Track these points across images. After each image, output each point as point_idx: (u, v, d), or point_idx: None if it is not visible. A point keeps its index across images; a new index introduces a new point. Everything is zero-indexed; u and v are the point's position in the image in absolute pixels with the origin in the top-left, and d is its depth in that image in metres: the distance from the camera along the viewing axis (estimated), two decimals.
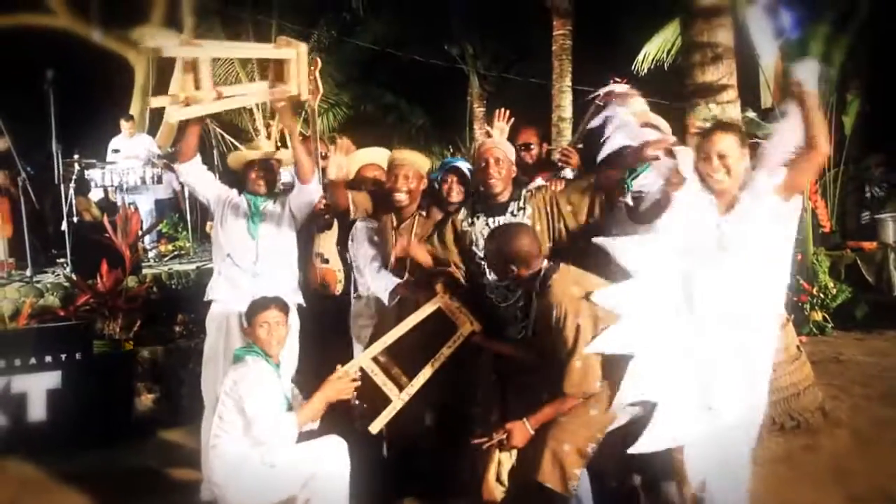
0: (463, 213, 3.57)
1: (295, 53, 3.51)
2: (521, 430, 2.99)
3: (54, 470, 4.35)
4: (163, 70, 11.05)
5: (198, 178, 3.98)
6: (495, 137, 3.84)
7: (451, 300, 3.32)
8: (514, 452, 3.03)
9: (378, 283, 3.76)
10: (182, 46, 3.64)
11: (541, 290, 3.02)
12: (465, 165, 4.07)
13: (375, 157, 4.13)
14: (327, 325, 4.09)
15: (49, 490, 4.17)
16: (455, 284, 3.42)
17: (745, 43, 6.88)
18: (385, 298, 3.70)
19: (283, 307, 3.37)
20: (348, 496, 3.19)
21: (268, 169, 3.99)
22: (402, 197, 3.66)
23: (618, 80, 4.23)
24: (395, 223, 3.77)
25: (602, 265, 3.11)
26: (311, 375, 3.66)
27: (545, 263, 3.08)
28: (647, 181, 3.56)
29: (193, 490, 3.86)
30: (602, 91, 4.12)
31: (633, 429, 2.91)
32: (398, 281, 3.68)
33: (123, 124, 9.40)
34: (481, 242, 3.41)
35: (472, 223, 3.50)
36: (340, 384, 3.24)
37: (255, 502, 3.16)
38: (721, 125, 3.12)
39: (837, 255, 7.13)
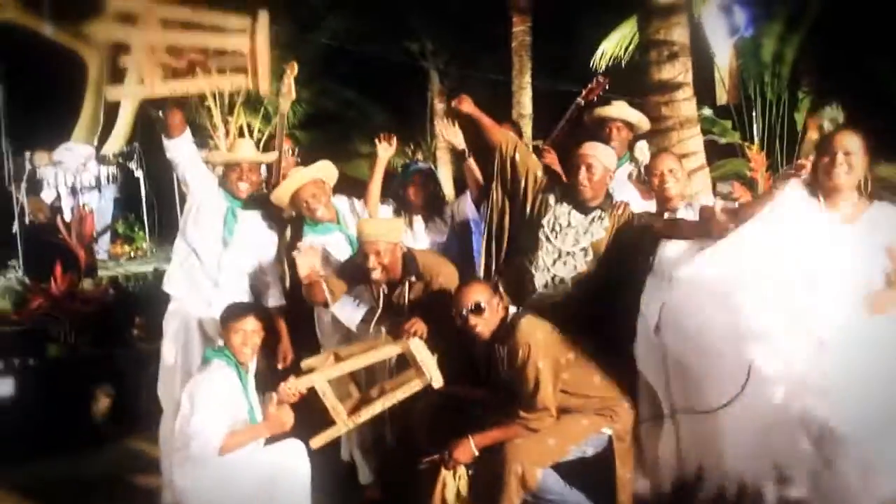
0: (556, 190, 3.52)
1: (253, 43, 3.32)
2: (465, 447, 3.04)
3: (8, 480, 4.25)
4: (116, 65, 10.84)
5: (186, 155, 3.73)
6: (448, 133, 3.96)
7: (416, 349, 3.22)
8: (461, 474, 3.09)
9: (345, 312, 3.67)
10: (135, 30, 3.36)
11: (506, 334, 3.08)
12: (424, 166, 4.08)
13: (315, 173, 3.80)
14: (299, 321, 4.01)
15: (3, 501, 4.07)
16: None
17: (700, 41, 7.02)
18: (352, 326, 3.68)
19: (262, 316, 3.34)
20: (310, 498, 3.18)
21: (252, 172, 3.84)
22: (377, 275, 3.40)
23: (600, 79, 4.30)
24: (385, 289, 3.53)
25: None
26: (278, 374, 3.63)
27: (511, 310, 3.18)
28: (619, 176, 3.80)
29: (154, 496, 3.82)
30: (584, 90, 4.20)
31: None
32: (365, 310, 3.62)
33: (38, 157, 8.80)
34: (554, 223, 3.44)
35: (560, 202, 3.47)
36: (279, 419, 3.17)
37: None
38: (850, 126, 3.19)
39: None
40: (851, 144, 2.91)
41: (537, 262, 3.44)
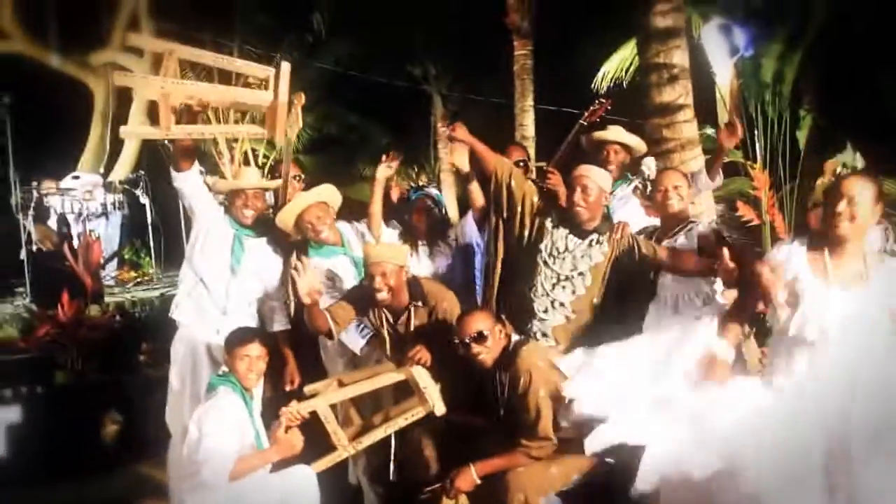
0: (553, 215, 3.55)
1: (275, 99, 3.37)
2: (467, 475, 3.05)
3: None
4: (123, 96, 10.93)
5: (194, 187, 3.81)
6: (455, 156, 4.03)
7: (419, 376, 3.26)
8: (463, 502, 3.08)
9: (349, 336, 3.70)
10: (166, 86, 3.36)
11: (508, 362, 3.10)
12: (434, 192, 4.13)
13: (318, 196, 3.88)
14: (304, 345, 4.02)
15: None
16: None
17: (701, 61, 7.07)
18: (357, 350, 3.71)
19: (266, 341, 3.36)
20: None
21: (257, 199, 3.90)
22: (383, 296, 3.41)
23: (602, 101, 4.35)
24: (389, 319, 3.56)
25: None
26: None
27: (514, 338, 3.20)
28: (628, 190, 3.95)
29: None
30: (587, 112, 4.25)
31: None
32: (369, 336, 3.66)
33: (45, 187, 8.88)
34: (552, 248, 3.46)
35: (557, 227, 3.50)
36: (290, 441, 3.19)
37: None
38: (861, 172, 3.07)
39: None
40: (858, 191, 2.65)
41: (536, 288, 3.45)
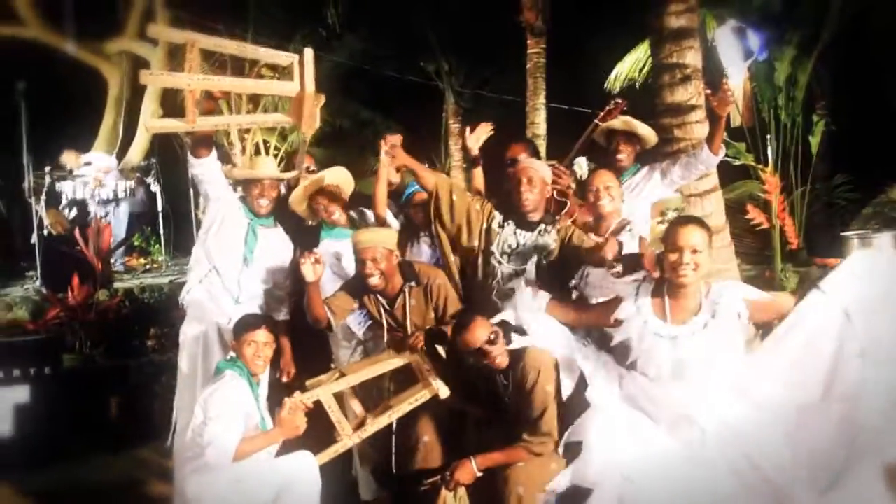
0: (498, 214, 3.61)
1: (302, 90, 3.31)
2: (467, 468, 3.05)
3: (21, 487, 4.29)
4: (136, 84, 10.98)
5: (212, 174, 3.82)
6: (470, 139, 4.13)
7: (423, 360, 3.30)
8: (461, 495, 3.08)
9: (352, 321, 3.73)
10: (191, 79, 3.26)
11: (514, 360, 3.10)
12: None
13: (330, 177, 3.94)
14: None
15: None
16: (436, 341, 3.44)
17: (714, 64, 7.06)
18: (358, 333, 3.73)
19: (273, 328, 3.39)
20: None
21: (272, 189, 3.92)
22: (375, 281, 3.45)
23: (618, 101, 4.35)
24: (385, 305, 3.58)
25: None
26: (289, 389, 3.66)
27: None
28: (636, 179, 4.01)
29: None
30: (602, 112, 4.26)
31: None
32: (369, 324, 3.68)
33: (64, 159, 8.92)
34: (503, 247, 3.53)
35: (502, 226, 3.57)
36: (293, 422, 3.19)
37: None
38: (694, 219, 3.08)
39: (804, 272, 7.27)
40: (698, 239, 2.83)
41: (499, 287, 3.50)
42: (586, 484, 2.86)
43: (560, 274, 3.52)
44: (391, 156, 3.71)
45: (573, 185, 4.10)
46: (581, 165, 4.19)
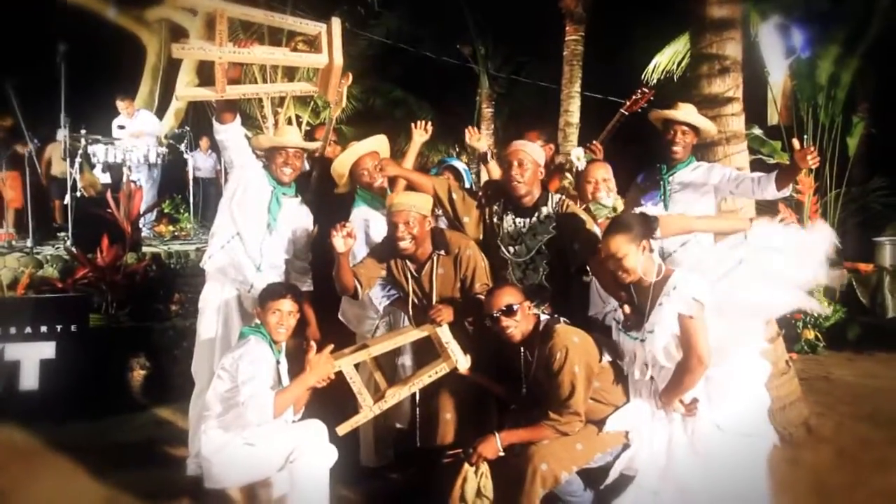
0: (497, 206, 3.59)
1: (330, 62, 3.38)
2: (491, 443, 3.04)
3: (43, 438, 4.39)
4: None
5: (236, 140, 3.82)
6: (473, 139, 4.20)
7: (442, 333, 3.29)
8: (484, 471, 3.07)
9: (375, 293, 3.72)
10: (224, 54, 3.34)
11: (542, 339, 3.08)
12: (460, 165, 4.14)
13: (372, 145, 3.96)
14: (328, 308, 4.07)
15: (38, 457, 4.20)
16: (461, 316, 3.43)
17: (755, 58, 6.94)
18: (378, 305, 3.72)
19: (297, 297, 3.40)
20: (328, 478, 3.21)
21: (297, 158, 3.93)
22: (406, 244, 3.41)
23: (645, 90, 4.29)
24: (412, 271, 3.55)
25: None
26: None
27: (543, 316, 3.18)
28: (694, 176, 3.95)
29: (179, 465, 3.92)
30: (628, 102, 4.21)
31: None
32: (395, 297, 3.68)
33: (119, 104, 9.28)
34: (507, 237, 3.52)
35: (502, 218, 3.55)
36: (323, 368, 3.21)
37: (239, 479, 3.24)
38: (612, 226, 3.06)
39: (833, 276, 7.16)
40: (619, 246, 2.91)
41: (513, 278, 3.48)
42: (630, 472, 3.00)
43: (566, 254, 3.47)
44: (383, 172, 3.80)
45: (570, 177, 4.07)
46: (579, 157, 4.14)
